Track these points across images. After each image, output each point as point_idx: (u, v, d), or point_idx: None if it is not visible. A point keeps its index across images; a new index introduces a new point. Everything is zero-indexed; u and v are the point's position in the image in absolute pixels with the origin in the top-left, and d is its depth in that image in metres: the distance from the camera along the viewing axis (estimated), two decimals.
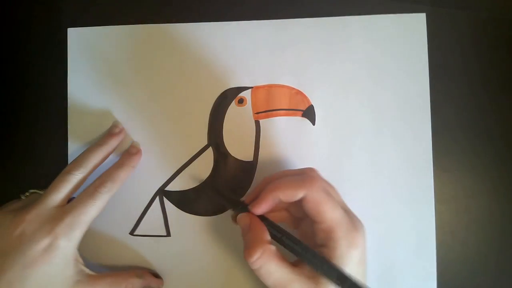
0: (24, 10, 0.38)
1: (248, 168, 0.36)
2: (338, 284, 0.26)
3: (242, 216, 0.30)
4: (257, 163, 0.36)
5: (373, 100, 0.36)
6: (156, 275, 0.36)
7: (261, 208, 0.29)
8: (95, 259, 0.36)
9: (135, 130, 0.37)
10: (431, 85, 0.36)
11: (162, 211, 0.36)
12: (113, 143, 0.35)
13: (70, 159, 0.36)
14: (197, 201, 0.36)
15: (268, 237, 0.28)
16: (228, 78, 0.37)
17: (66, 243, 0.30)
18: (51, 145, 0.37)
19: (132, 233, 0.36)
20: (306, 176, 0.29)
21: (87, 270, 0.32)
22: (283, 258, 0.28)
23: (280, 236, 0.28)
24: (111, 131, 0.36)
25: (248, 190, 0.34)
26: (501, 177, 0.37)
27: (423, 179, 0.36)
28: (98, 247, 0.36)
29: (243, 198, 0.33)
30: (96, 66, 0.37)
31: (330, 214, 0.27)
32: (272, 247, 0.28)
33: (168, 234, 0.36)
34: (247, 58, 0.37)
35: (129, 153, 0.35)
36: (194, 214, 0.36)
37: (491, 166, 0.37)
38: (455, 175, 0.37)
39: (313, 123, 0.36)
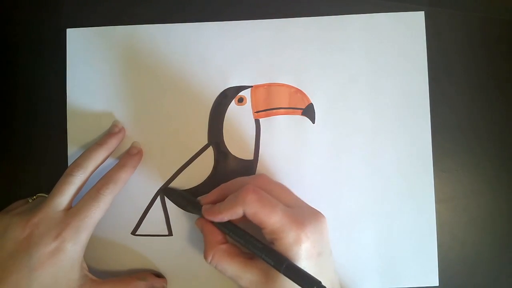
0: (23, 10, 0.38)
1: (249, 167, 0.36)
2: (276, 268, 0.28)
3: (198, 220, 0.34)
4: (257, 161, 0.36)
5: (373, 98, 0.37)
6: (159, 275, 0.36)
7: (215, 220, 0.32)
8: (98, 261, 0.36)
9: (135, 130, 0.37)
10: (431, 84, 0.37)
11: (164, 210, 0.36)
12: (113, 142, 0.35)
13: (70, 160, 0.36)
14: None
15: (221, 238, 0.32)
16: (228, 77, 0.37)
17: (72, 247, 0.31)
18: (50, 146, 0.37)
19: (134, 233, 0.36)
20: (239, 193, 0.30)
21: (90, 275, 0.33)
22: (236, 255, 0.31)
23: (228, 232, 0.32)
24: (111, 131, 0.36)
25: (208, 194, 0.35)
26: (500, 177, 0.37)
27: (423, 179, 0.36)
28: (100, 247, 0.36)
29: (200, 198, 0.34)
30: (95, 66, 0.37)
31: (268, 220, 0.29)
32: (223, 247, 0.31)
33: (170, 233, 0.36)
34: (247, 57, 0.37)
35: (130, 154, 0.36)
36: (196, 213, 0.36)
37: (490, 166, 0.37)
38: (454, 175, 0.37)
39: (313, 122, 0.37)
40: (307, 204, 0.32)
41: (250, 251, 0.30)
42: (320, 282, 0.27)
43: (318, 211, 0.32)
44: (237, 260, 0.31)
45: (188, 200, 0.35)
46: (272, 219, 0.29)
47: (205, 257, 0.31)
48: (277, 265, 0.28)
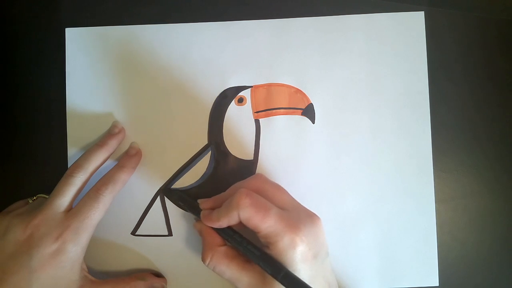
0: (21, 9, 0.38)
1: (249, 167, 0.36)
2: (273, 276, 0.28)
3: (197, 223, 0.34)
4: (257, 161, 0.36)
5: (373, 98, 0.37)
6: (159, 275, 0.36)
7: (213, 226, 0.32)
8: (98, 261, 0.36)
9: (135, 131, 0.37)
10: (430, 84, 0.37)
11: (164, 211, 0.36)
12: (113, 143, 0.35)
13: (70, 161, 0.36)
14: None
15: (219, 240, 0.32)
16: (228, 77, 0.37)
17: (73, 248, 0.31)
18: (50, 147, 0.37)
19: (134, 233, 0.36)
20: (233, 198, 0.30)
21: (90, 276, 0.33)
22: (234, 257, 0.31)
23: (226, 238, 0.31)
24: (111, 131, 0.36)
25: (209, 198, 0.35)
26: (500, 177, 0.37)
27: (423, 179, 0.36)
28: (100, 248, 0.36)
29: (200, 201, 0.34)
30: (94, 66, 0.37)
31: (262, 225, 0.29)
32: (222, 249, 0.31)
33: (170, 233, 0.36)
34: (247, 57, 0.37)
35: (128, 155, 0.35)
36: (196, 215, 0.36)
37: (490, 166, 0.37)
38: (454, 175, 0.37)
39: (313, 122, 0.37)
40: (302, 206, 0.32)
41: (249, 258, 0.30)
42: None
43: (313, 213, 0.31)
44: (235, 263, 0.31)
45: (189, 203, 0.35)
46: (266, 223, 0.29)
47: (203, 259, 0.31)
48: (275, 273, 0.28)
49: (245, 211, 0.29)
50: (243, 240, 0.31)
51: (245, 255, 0.30)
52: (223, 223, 0.31)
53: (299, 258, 0.29)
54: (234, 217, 0.30)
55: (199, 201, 0.34)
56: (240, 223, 0.30)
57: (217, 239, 0.32)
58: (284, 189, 0.33)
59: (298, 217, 0.30)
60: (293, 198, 0.33)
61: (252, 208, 0.29)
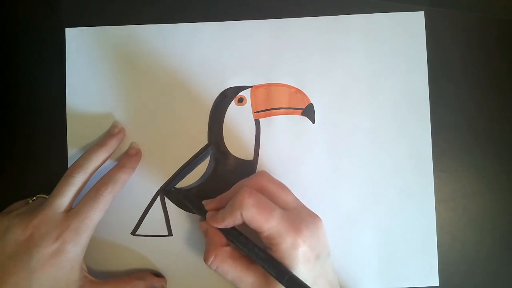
0: (22, 9, 0.38)
1: (249, 167, 0.36)
2: (278, 279, 0.28)
3: (202, 223, 0.33)
4: (257, 161, 0.36)
5: (373, 98, 0.37)
6: (159, 275, 0.36)
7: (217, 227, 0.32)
8: (97, 261, 0.36)
9: (135, 131, 0.37)
10: (430, 84, 0.37)
11: (164, 210, 0.36)
12: (113, 143, 0.35)
13: (70, 161, 0.36)
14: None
15: (223, 240, 0.32)
16: (228, 77, 0.37)
17: (73, 248, 0.31)
18: (50, 147, 0.37)
19: (133, 233, 0.36)
20: (236, 197, 0.30)
21: (90, 276, 0.33)
22: (237, 258, 0.31)
23: (232, 240, 0.31)
24: (111, 131, 0.36)
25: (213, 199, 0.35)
26: (500, 177, 0.37)
27: (423, 179, 0.36)
28: (100, 248, 0.36)
29: (205, 202, 0.34)
30: (95, 66, 0.37)
31: (265, 225, 0.29)
32: (226, 249, 0.31)
33: (170, 233, 0.36)
34: (247, 58, 0.37)
35: (128, 155, 0.35)
36: (196, 213, 0.36)
37: (490, 166, 0.37)
38: (454, 175, 0.37)
39: (313, 122, 0.37)
40: (305, 206, 0.32)
41: (254, 260, 0.30)
42: None
43: (315, 214, 0.32)
44: (239, 263, 0.31)
45: (195, 204, 0.35)
46: (268, 224, 0.29)
47: (206, 258, 0.31)
48: (279, 277, 0.28)
49: (248, 211, 0.29)
50: (248, 242, 0.30)
51: (250, 256, 0.30)
52: (228, 223, 0.30)
53: (302, 259, 0.29)
54: (238, 216, 0.29)
55: (204, 202, 0.34)
56: (244, 223, 0.30)
57: (222, 239, 0.32)
58: (288, 188, 0.33)
59: (301, 217, 0.30)
60: (296, 198, 0.33)
61: (255, 209, 0.29)
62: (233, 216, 0.30)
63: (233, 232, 0.31)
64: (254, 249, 0.30)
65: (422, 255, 0.36)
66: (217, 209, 0.32)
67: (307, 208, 0.32)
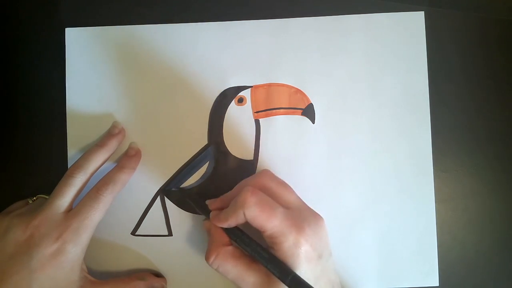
0: (22, 10, 0.38)
1: (249, 167, 0.36)
2: (281, 279, 0.28)
3: (205, 222, 0.34)
4: (257, 161, 0.36)
5: (373, 98, 0.37)
6: (159, 275, 0.36)
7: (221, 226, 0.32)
8: (97, 261, 0.36)
9: (135, 131, 0.37)
10: (430, 84, 0.37)
11: (164, 211, 0.36)
12: (113, 143, 0.35)
13: (70, 162, 0.36)
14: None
15: (226, 240, 0.32)
16: (228, 77, 0.37)
17: (73, 248, 0.31)
18: (50, 147, 0.37)
19: (133, 233, 0.36)
20: (239, 196, 0.30)
21: (90, 277, 0.33)
22: (240, 257, 0.31)
23: (234, 239, 0.31)
24: (111, 132, 0.36)
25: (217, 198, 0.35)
26: (500, 177, 0.37)
27: (423, 179, 0.36)
28: (100, 248, 0.36)
29: (209, 202, 0.34)
30: (94, 66, 0.37)
31: (268, 224, 0.29)
32: (228, 249, 0.31)
33: (170, 233, 0.36)
34: (247, 57, 0.37)
35: (128, 155, 0.35)
36: (196, 213, 0.36)
37: (490, 166, 0.37)
38: (454, 175, 0.37)
39: (313, 122, 0.37)
40: (307, 205, 0.32)
41: (257, 260, 0.30)
42: None
43: (317, 213, 0.32)
44: (240, 262, 0.31)
45: (198, 203, 0.35)
46: (271, 223, 0.29)
47: (208, 257, 0.31)
48: (282, 276, 0.28)
49: (250, 210, 0.29)
50: (251, 241, 0.30)
51: (253, 256, 0.30)
52: (232, 222, 0.30)
53: (304, 258, 0.29)
54: (241, 215, 0.29)
55: (207, 201, 0.34)
56: (247, 223, 0.30)
57: (224, 238, 0.32)
58: (290, 187, 0.33)
59: (303, 217, 0.30)
60: (298, 197, 0.33)
61: (257, 207, 0.29)
62: (236, 215, 0.30)
63: (236, 231, 0.31)
64: (257, 249, 0.30)
65: (422, 255, 0.36)
66: (221, 209, 0.32)
67: (310, 208, 0.32)
